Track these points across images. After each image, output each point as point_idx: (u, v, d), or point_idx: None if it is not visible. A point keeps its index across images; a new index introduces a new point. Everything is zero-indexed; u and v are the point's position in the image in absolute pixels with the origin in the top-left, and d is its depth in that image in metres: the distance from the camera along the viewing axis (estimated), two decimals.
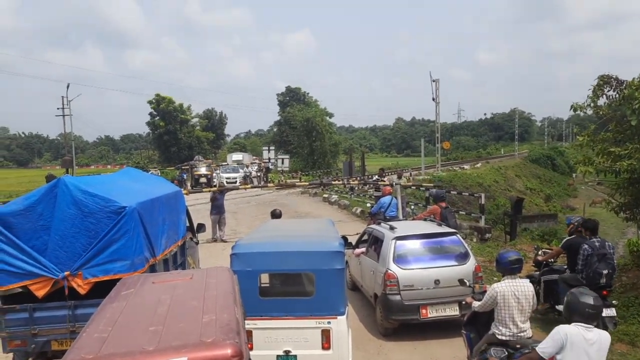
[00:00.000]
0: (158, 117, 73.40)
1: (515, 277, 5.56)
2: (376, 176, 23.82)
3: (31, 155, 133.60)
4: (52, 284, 5.85)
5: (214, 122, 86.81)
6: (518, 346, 5.35)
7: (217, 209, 16.52)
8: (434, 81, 36.08)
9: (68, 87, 48.99)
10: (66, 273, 5.80)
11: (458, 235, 8.59)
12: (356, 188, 28.65)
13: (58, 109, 46.54)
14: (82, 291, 5.84)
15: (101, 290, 5.60)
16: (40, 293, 5.84)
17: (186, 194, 13.42)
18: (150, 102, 73.63)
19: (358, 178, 35.01)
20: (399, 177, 20.53)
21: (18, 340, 5.94)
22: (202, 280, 4.38)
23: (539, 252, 9.00)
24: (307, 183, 28.29)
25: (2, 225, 5.81)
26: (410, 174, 38.90)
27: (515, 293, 5.42)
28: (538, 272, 8.58)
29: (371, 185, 22.82)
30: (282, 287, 6.86)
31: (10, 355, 6.16)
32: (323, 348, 5.88)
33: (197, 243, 10.66)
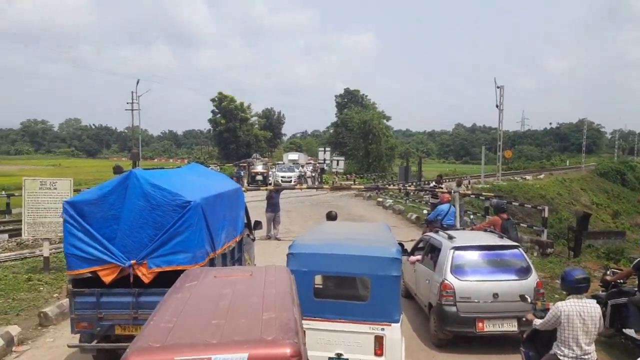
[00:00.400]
0: (219, 115, 75.41)
1: (581, 297, 5.34)
2: (434, 182, 23.45)
3: (100, 146, 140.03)
4: (119, 271, 6.11)
5: (272, 121, 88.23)
6: None
7: (273, 207, 16.77)
8: (498, 87, 35.23)
9: (138, 83, 50.83)
10: (132, 262, 6.05)
11: (520, 248, 8.33)
12: (411, 194, 28.33)
13: (127, 103, 48.58)
14: (146, 280, 6.07)
15: (162, 280, 5.82)
16: (107, 279, 6.11)
17: (244, 191, 13.69)
18: (213, 100, 75.82)
19: (414, 183, 34.57)
20: (458, 185, 20.10)
21: (85, 322, 6.23)
22: (261, 277, 4.45)
23: (608, 272, 8.57)
24: (362, 186, 28.21)
25: (77, 213, 6.13)
26: (469, 181, 38.04)
27: (580, 313, 5.21)
28: (605, 293, 8.19)
29: (428, 192, 22.41)
30: (336, 289, 6.86)
31: (78, 336, 6.49)
32: (375, 354, 5.83)
33: (253, 240, 10.85)
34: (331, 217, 10.77)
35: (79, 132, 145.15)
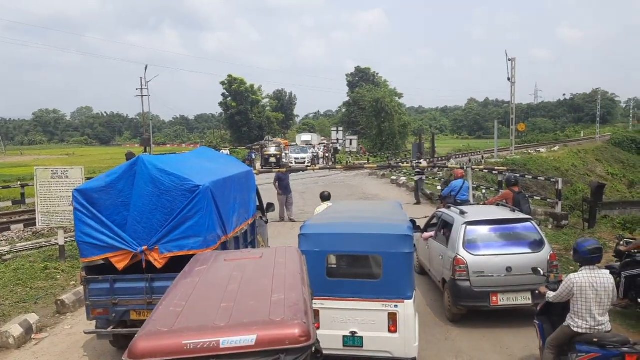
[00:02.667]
0: (230, 98, 75.18)
1: (594, 268, 5.29)
2: (416, 161, 23.82)
3: (112, 134, 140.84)
4: (131, 258, 6.15)
5: (283, 102, 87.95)
6: (595, 340, 5.11)
7: (283, 189, 16.77)
8: (510, 60, 34.70)
9: (146, 68, 50.69)
10: (144, 247, 6.08)
11: (532, 222, 8.25)
12: (425, 171, 28.19)
13: (137, 89, 48.65)
14: (158, 265, 6.11)
15: (176, 265, 5.84)
16: (120, 265, 6.16)
17: (257, 173, 13.69)
18: (222, 83, 75.50)
19: (428, 160, 34.38)
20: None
21: (100, 308, 6.31)
22: (271, 259, 4.46)
23: (622, 242, 8.48)
24: (375, 165, 28.10)
25: (86, 201, 6.16)
26: (482, 156, 37.79)
27: (593, 284, 5.17)
28: (619, 263, 8.10)
29: (426, 169, 22.39)
30: (350, 268, 6.87)
31: (94, 322, 6.58)
32: (389, 331, 5.87)
33: (266, 222, 10.86)
34: (324, 197, 10.73)
35: (91, 120, 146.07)
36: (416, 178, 20.72)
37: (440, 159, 39.36)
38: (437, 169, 26.86)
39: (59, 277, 10.33)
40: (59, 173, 11.01)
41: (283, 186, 16.74)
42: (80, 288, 8.92)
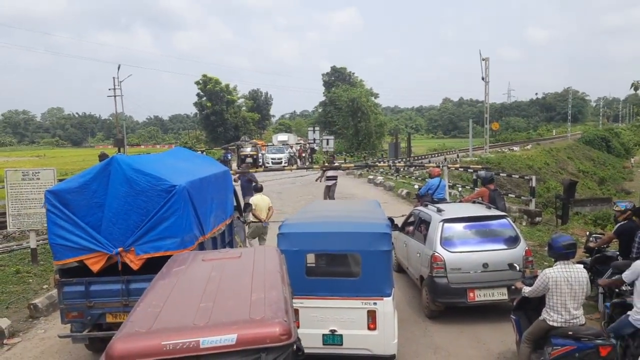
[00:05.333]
0: (205, 98, 74.40)
1: (568, 263, 5.39)
2: (327, 163, 23.68)
3: (85, 135, 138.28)
4: (106, 259, 6.05)
5: (259, 102, 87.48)
6: (570, 333, 5.20)
7: (249, 190, 16.59)
8: (483, 60, 35.18)
9: (119, 68, 49.88)
10: (119, 249, 5.99)
11: (508, 218, 8.37)
12: (401, 170, 28.42)
13: (109, 89, 47.82)
14: (134, 267, 6.02)
15: (153, 266, 5.76)
16: (95, 267, 6.05)
17: (233, 174, 13.57)
18: (197, 83, 74.66)
19: (404, 160, 34.67)
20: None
21: (75, 312, 6.19)
22: (250, 258, 4.44)
23: (591, 239, 8.67)
24: (352, 165, 28.23)
25: (59, 202, 6.04)
26: (458, 155, 38.29)
27: (568, 279, 5.27)
28: (590, 259, 8.28)
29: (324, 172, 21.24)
30: (329, 267, 6.89)
31: (69, 326, 6.44)
32: (369, 328, 5.89)
33: (244, 222, 10.80)
34: (257, 189, 11.49)
35: (62, 121, 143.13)
36: (329, 183, 18.45)
37: (416, 158, 39.82)
38: (414, 168, 27.17)
39: (31, 280, 10.09)
40: (30, 175, 10.75)
41: (246, 188, 16.58)
42: (54, 291, 8.75)
